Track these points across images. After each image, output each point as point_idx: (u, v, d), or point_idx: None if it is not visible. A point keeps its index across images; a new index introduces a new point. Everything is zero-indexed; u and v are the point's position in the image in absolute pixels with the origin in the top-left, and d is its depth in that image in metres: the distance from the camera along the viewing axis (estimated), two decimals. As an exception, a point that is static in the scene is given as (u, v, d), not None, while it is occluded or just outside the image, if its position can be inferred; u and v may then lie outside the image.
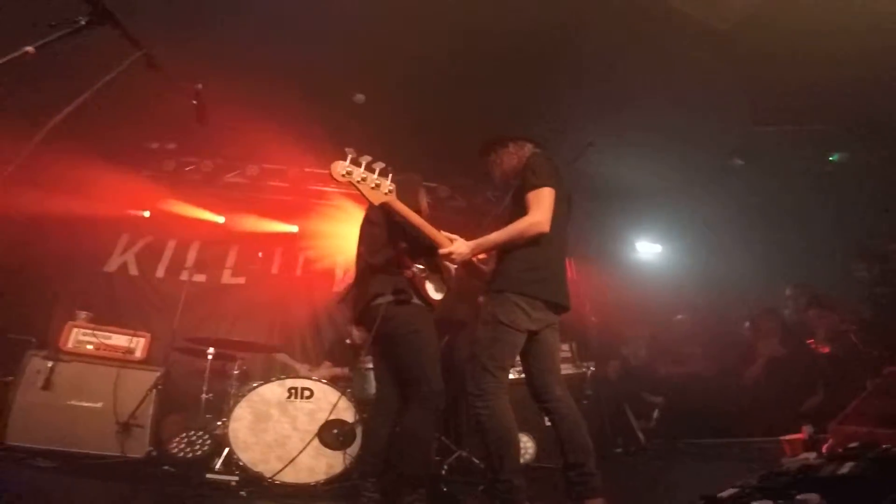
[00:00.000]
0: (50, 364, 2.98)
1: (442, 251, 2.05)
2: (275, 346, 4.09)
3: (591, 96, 3.80)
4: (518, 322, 1.99)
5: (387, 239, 2.27)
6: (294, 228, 5.07)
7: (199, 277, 4.59)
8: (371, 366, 3.42)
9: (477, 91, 3.82)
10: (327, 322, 4.64)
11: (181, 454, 2.75)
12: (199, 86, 2.09)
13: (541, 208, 2.03)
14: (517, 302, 2.02)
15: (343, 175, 1.88)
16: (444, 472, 2.87)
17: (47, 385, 2.91)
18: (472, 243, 2.08)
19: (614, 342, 4.73)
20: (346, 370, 3.65)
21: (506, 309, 1.99)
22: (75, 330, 3.23)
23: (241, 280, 4.77)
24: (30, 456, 2.58)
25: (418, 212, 2.18)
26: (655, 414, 4.16)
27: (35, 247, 4.09)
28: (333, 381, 3.13)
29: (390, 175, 1.97)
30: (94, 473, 2.57)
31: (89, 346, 3.21)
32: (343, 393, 2.90)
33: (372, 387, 3.27)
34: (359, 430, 2.78)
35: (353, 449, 2.70)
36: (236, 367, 3.26)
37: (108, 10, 1.50)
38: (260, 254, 4.69)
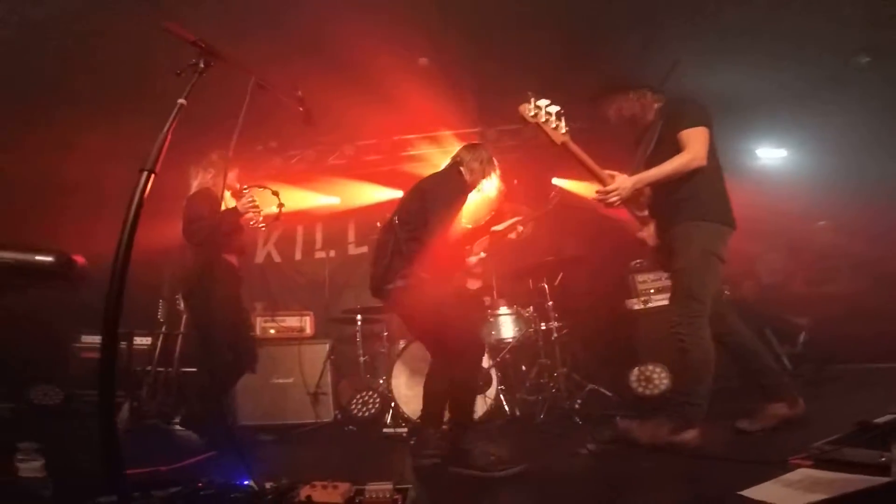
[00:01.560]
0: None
1: (604, 189, 2.16)
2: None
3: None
4: (722, 254, 2.19)
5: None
6: (398, 193, 5.43)
7: (331, 253, 5.27)
8: (499, 311, 3.77)
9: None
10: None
11: (359, 414, 3.34)
12: (300, 93, 2.38)
13: (697, 145, 2.18)
14: (722, 233, 2.22)
15: (531, 116, 2.06)
16: (577, 405, 3.10)
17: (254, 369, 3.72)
18: (633, 179, 2.19)
19: (745, 259, 4.27)
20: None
21: (714, 240, 2.19)
22: (258, 319, 3.97)
23: (364, 249, 5.34)
24: (255, 432, 3.17)
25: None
26: (802, 337, 3.82)
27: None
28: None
29: (563, 118, 2.09)
30: (301, 440, 3.17)
31: (272, 331, 3.98)
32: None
33: (500, 331, 3.65)
34: (493, 374, 3.16)
35: (491, 391, 3.10)
36: (384, 329, 3.83)
37: (215, 49, 1.76)
38: (379, 223, 5.15)
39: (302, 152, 5.16)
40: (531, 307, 3.74)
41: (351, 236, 5.39)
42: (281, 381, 3.60)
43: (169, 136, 1.57)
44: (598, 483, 1.95)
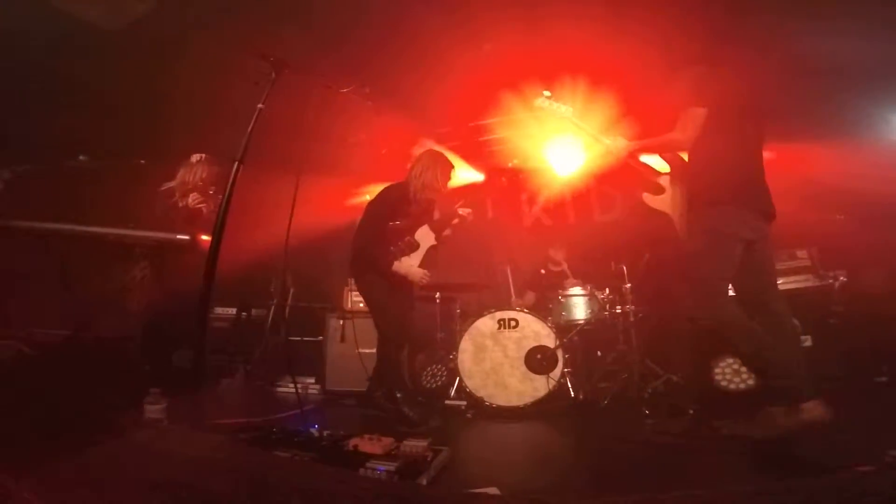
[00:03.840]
0: (341, 322, 4.18)
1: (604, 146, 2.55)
2: (483, 283, 4.74)
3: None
4: (739, 234, 2.10)
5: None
6: (480, 176, 5.54)
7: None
8: (570, 292, 3.73)
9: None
10: (523, 255, 5.06)
11: (428, 385, 3.58)
12: (367, 89, 2.65)
13: (683, 125, 2.18)
14: (734, 214, 2.11)
15: (538, 105, 2.74)
16: (647, 395, 2.96)
17: (343, 338, 4.12)
18: (625, 143, 2.49)
19: (877, 244, 3.73)
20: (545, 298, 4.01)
21: (723, 222, 2.11)
22: (350, 293, 4.38)
23: (448, 232, 5.54)
24: (339, 397, 3.49)
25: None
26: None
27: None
28: (535, 310, 3.53)
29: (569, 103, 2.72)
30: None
31: (360, 304, 4.37)
32: (544, 320, 3.30)
33: (571, 312, 3.59)
34: (560, 355, 3.14)
35: (556, 372, 3.09)
36: (458, 307, 4.01)
37: (284, 61, 2.03)
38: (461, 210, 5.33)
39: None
40: (607, 289, 3.62)
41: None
42: (366, 350, 3.92)
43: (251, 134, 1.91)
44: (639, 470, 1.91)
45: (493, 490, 1.59)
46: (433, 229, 3.16)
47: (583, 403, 3.01)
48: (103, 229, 2.92)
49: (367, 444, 1.85)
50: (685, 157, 2.38)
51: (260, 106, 1.91)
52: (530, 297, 4.28)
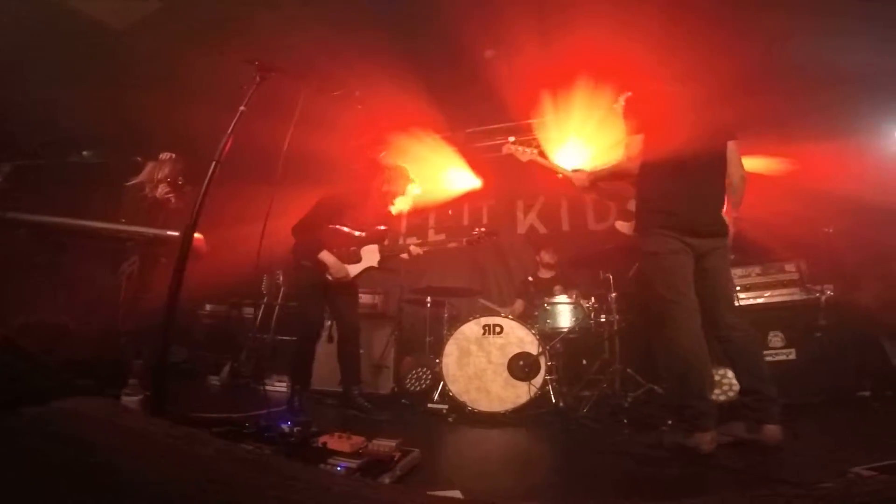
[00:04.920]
0: (329, 322, 4.24)
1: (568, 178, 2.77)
2: (474, 290, 4.76)
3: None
4: (669, 249, 2.19)
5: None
6: (477, 183, 5.58)
7: (411, 240, 5.60)
8: (555, 300, 3.74)
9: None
10: (516, 263, 5.08)
11: (412, 388, 3.61)
12: (357, 93, 2.72)
13: (626, 152, 2.38)
14: (659, 234, 2.23)
15: (505, 151, 3.24)
16: (627, 404, 2.95)
17: (331, 339, 4.16)
18: (587, 171, 2.70)
19: (870, 258, 3.66)
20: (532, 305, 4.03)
21: (653, 243, 2.25)
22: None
23: (442, 236, 5.59)
24: (324, 396, 3.51)
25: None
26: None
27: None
28: (521, 318, 3.55)
29: (534, 143, 3.18)
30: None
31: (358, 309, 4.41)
32: (528, 327, 3.30)
33: (556, 320, 3.61)
34: (542, 362, 3.15)
35: (538, 380, 3.09)
36: (445, 312, 4.04)
37: (270, 65, 2.08)
38: (450, 211, 5.37)
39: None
40: (592, 298, 3.64)
41: (431, 222, 5.67)
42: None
43: (231, 136, 1.95)
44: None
45: (454, 493, 1.60)
46: (381, 253, 3.27)
47: (563, 411, 3.01)
48: (98, 224, 2.98)
49: (336, 442, 1.88)
50: None
51: (242, 108, 1.96)
52: (519, 304, 4.30)
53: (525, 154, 3.07)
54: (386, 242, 3.32)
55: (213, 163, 1.88)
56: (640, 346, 3.54)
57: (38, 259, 3.13)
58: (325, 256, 3.09)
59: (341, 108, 2.90)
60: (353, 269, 3.20)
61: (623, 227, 2.66)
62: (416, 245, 3.30)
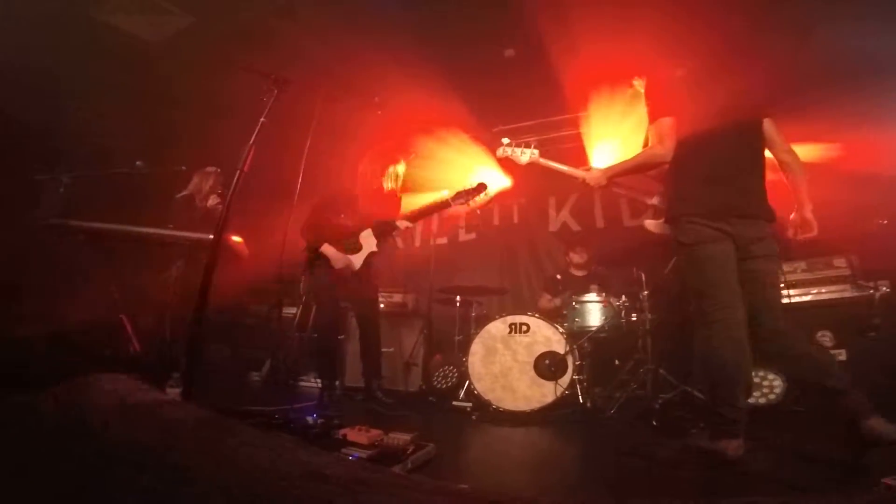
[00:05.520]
0: (356, 321, 4.36)
1: (578, 179, 2.53)
2: (505, 288, 4.75)
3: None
4: (705, 246, 2.03)
5: None
6: (507, 182, 5.55)
7: (442, 240, 5.66)
8: (585, 298, 3.67)
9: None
10: (547, 259, 5.02)
11: (440, 386, 3.63)
12: (377, 98, 2.82)
13: (654, 139, 2.17)
14: (695, 225, 2.05)
15: (501, 154, 2.93)
16: (657, 406, 2.84)
17: (340, 334, 4.25)
18: (603, 169, 2.43)
19: None
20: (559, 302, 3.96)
21: (690, 235, 2.06)
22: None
23: (473, 236, 5.61)
24: (356, 393, 3.57)
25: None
26: None
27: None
28: (548, 315, 3.50)
29: (533, 143, 2.84)
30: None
31: (381, 305, 4.52)
32: (556, 326, 3.27)
33: (584, 319, 3.54)
34: (570, 361, 3.11)
35: (565, 379, 3.04)
36: (473, 311, 4.05)
37: (285, 78, 2.18)
38: (479, 211, 5.36)
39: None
40: (623, 296, 3.54)
41: (461, 222, 5.70)
42: (383, 349, 4.04)
43: (254, 146, 2.07)
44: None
45: (462, 487, 1.62)
46: (375, 236, 3.34)
47: (590, 412, 2.95)
48: (145, 229, 3.22)
49: (355, 434, 1.95)
50: None
51: (262, 120, 2.06)
52: (545, 299, 4.24)
53: (524, 155, 2.82)
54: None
55: (238, 171, 1.99)
56: (673, 346, 3.42)
57: (93, 263, 3.41)
58: (326, 249, 3.26)
59: (364, 115, 2.99)
60: (356, 259, 3.31)
61: (652, 225, 2.49)
62: (406, 218, 3.35)
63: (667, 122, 2.12)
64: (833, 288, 3.18)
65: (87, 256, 3.35)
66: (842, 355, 3.01)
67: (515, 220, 5.47)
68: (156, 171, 3.66)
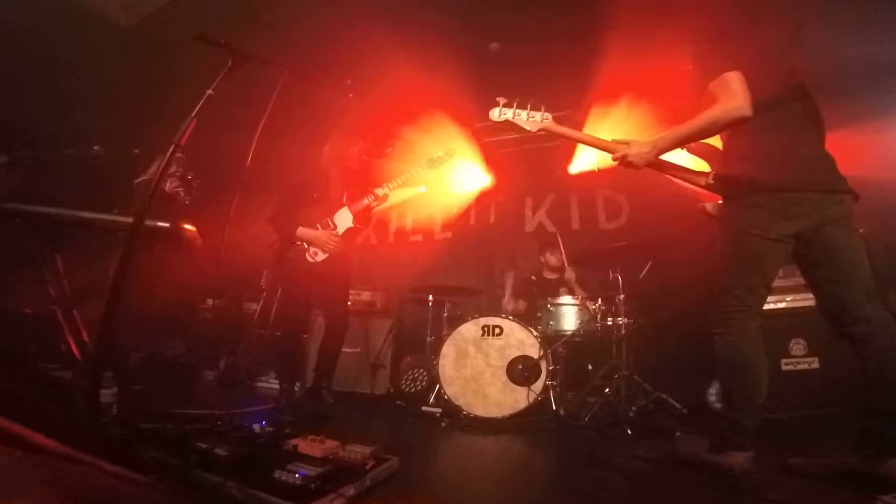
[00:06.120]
0: (322, 320, 4.13)
1: (616, 156, 1.98)
2: (479, 289, 4.60)
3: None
4: (767, 231, 1.73)
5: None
6: (486, 181, 5.41)
7: (416, 237, 5.48)
8: (560, 301, 3.55)
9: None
10: (523, 262, 4.89)
11: (408, 390, 3.46)
12: (349, 82, 2.59)
13: (726, 94, 1.76)
14: (764, 203, 1.74)
15: (499, 117, 2.12)
16: (632, 413, 2.75)
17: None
18: (651, 141, 1.92)
19: None
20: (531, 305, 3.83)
21: (749, 217, 1.77)
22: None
23: (448, 234, 5.45)
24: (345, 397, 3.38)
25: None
26: None
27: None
28: (523, 318, 3.37)
29: (542, 107, 2.11)
30: (352, 407, 3.27)
31: (349, 303, 4.31)
32: (529, 329, 3.13)
33: (559, 322, 3.42)
34: (543, 366, 2.98)
35: (538, 385, 2.92)
36: (446, 311, 3.88)
37: (245, 52, 1.96)
38: (454, 210, 5.23)
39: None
40: (599, 299, 3.44)
41: (438, 220, 5.54)
42: (348, 350, 3.83)
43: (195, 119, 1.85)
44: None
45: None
46: (349, 209, 3.20)
47: (563, 419, 2.83)
48: (89, 214, 2.93)
49: (307, 445, 1.75)
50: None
51: (209, 91, 1.84)
52: (521, 304, 4.12)
53: (534, 119, 2.08)
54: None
55: (172, 146, 1.76)
56: (650, 352, 3.34)
57: (30, 249, 3.10)
58: (304, 232, 3.07)
59: (335, 99, 2.77)
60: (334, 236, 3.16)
61: (711, 207, 2.06)
62: (381, 189, 3.19)
63: (734, 75, 1.75)
64: (808, 295, 3.15)
65: (24, 243, 3.05)
66: (814, 363, 2.99)
67: (492, 219, 5.33)
68: (109, 153, 3.38)
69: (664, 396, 2.98)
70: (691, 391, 3.11)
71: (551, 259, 4.22)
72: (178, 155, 3.49)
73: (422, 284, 4.11)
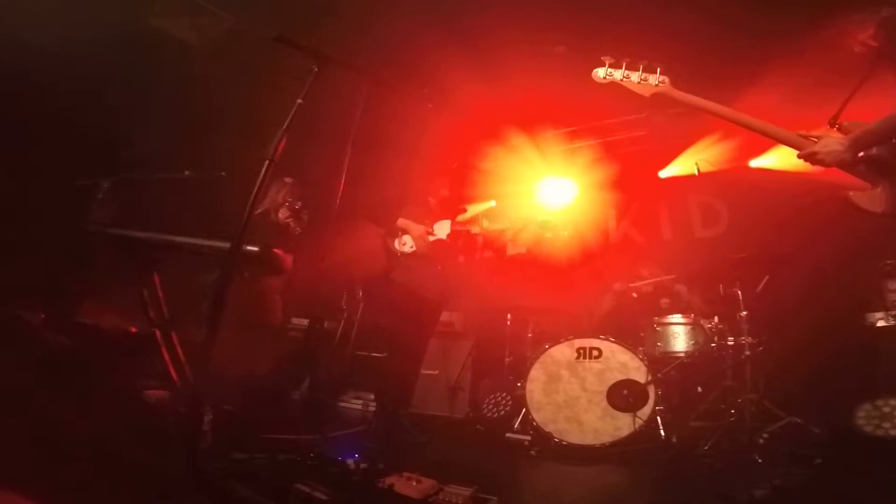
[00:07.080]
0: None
1: (802, 153, 1.67)
2: (561, 308, 4.28)
3: None
4: None
5: None
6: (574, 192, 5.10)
7: (488, 254, 5.27)
8: (668, 320, 3.17)
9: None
10: (611, 277, 4.51)
11: (490, 414, 3.23)
12: (426, 90, 2.48)
13: None
14: None
15: (605, 78, 1.87)
16: (762, 440, 2.38)
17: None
18: (850, 139, 1.63)
19: None
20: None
21: None
22: None
23: (523, 250, 5.18)
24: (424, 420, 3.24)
25: None
26: None
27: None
28: (623, 340, 3.04)
29: (658, 69, 1.82)
30: (437, 432, 3.15)
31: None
32: (634, 351, 2.82)
33: (669, 343, 3.06)
34: (651, 391, 2.63)
35: (645, 411, 2.58)
36: (530, 331, 3.62)
37: (328, 56, 1.87)
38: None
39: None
40: (715, 317, 3.02)
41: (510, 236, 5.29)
42: (427, 372, 3.67)
43: (286, 132, 1.77)
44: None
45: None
46: (452, 227, 3.32)
47: (676, 447, 2.48)
48: (180, 238, 3.02)
49: (404, 485, 1.58)
50: None
51: (299, 101, 1.76)
52: (607, 299, 3.81)
53: (645, 84, 1.79)
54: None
55: (266, 161, 1.68)
56: (778, 372, 2.88)
57: (129, 272, 3.25)
58: (403, 221, 3.11)
59: (415, 109, 2.66)
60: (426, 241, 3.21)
61: (859, 197, 1.71)
62: (475, 226, 3.32)
63: None
64: None
65: (123, 266, 3.20)
66: None
67: (568, 231, 5.00)
68: (197, 176, 3.51)
69: (798, 420, 2.54)
70: (828, 415, 2.64)
71: (644, 272, 3.83)
72: (286, 180, 3.58)
73: (500, 304, 3.89)
